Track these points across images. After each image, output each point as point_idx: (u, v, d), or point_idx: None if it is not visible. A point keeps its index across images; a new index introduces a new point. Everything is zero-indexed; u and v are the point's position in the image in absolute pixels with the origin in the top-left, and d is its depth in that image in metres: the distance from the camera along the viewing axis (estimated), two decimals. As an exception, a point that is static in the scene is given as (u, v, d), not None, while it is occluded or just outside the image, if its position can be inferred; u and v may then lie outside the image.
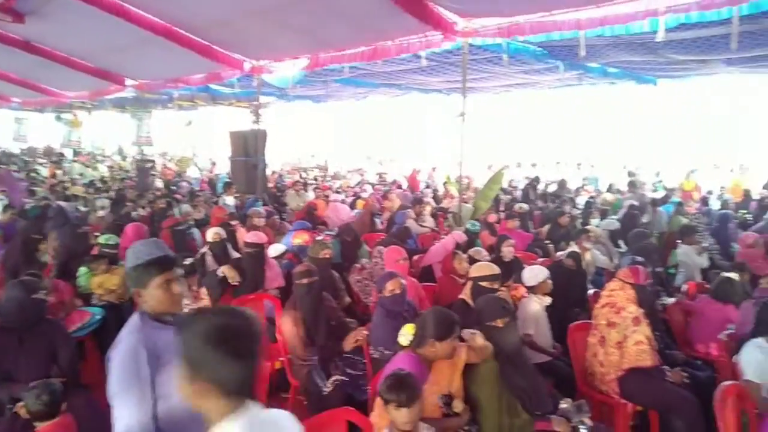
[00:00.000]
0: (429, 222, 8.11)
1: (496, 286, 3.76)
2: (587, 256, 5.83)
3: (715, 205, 10.53)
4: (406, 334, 2.88)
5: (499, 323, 2.89)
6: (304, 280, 3.62)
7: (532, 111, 20.09)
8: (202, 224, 7.16)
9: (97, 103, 15.92)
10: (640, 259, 4.36)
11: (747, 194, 11.38)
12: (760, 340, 3.01)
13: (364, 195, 10.53)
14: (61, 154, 19.75)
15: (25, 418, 2.70)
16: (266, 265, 4.57)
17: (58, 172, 15.11)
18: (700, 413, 3.03)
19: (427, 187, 13.20)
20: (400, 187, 13.47)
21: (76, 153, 19.81)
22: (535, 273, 4.24)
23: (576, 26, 6.61)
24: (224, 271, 4.37)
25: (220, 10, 7.52)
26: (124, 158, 20.55)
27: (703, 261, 6.11)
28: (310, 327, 3.55)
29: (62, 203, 8.10)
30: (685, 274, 5.92)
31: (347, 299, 4.72)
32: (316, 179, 15.42)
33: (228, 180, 10.93)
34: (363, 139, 22.86)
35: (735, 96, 17.01)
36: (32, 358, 3.09)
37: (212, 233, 5.29)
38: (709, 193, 12.31)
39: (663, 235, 7.87)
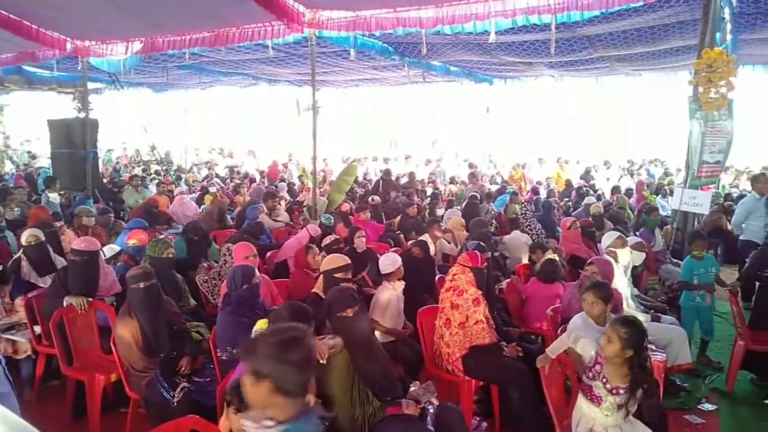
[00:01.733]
0: (283, 216, 7.95)
1: (348, 276, 3.77)
2: (437, 244, 6.14)
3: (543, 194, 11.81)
4: (260, 330, 2.77)
5: (350, 312, 2.90)
6: (141, 284, 3.28)
7: (383, 107, 20.85)
8: (18, 225, 6.20)
9: None
10: (480, 244, 4.69)
11: (569, 184, 13.00)
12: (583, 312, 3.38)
13: (213, 189, 9.98)
14: None
15: None
16: (100, 272, 4.06)
17: None
18: (533, 383, 3.35)
19: (282, 180, 12.95)
20: (253, 180, 13.05)
21: None
22: (390, 261, 4.35)
23: (418, 24, 6.94)
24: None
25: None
26: None
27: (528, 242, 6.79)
28: (148, 335, 3.24)
29: None
30: (514, 258, 6.56)
31: (192, 302, 4.42)
32: (158, 173, 14.29)
33: (50, 175, 9.63)
34: (215, 130, 21.80)
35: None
36: None
37: (27, 235, 4.58)
38: (539, 183, 13.80)
39: (500, 221, 8.63)
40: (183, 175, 13.79)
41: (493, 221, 8.53)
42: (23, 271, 4.45)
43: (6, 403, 2.01)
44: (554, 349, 3.02)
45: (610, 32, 7.66)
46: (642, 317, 3.85)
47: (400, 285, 4.26)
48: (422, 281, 4.92)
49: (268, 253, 5.87)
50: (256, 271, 3.59)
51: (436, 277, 5.14)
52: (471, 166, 15.81)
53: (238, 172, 14.34)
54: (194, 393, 3.10)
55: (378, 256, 5.01)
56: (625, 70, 11.07)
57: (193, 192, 11.02)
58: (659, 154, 17.26)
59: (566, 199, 11.50)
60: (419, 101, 19.84)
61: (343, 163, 17.15)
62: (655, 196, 11.22)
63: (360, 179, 13.07)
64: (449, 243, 6.45)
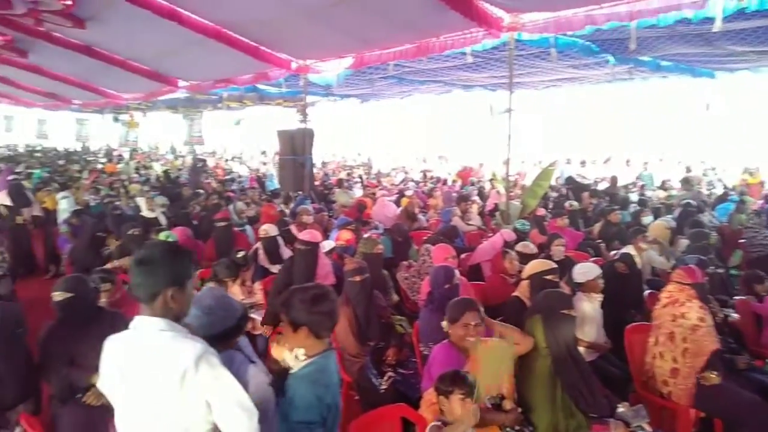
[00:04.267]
0: (475, 220, 8.04)
1: (557, 279, 3.69)
2: (643, 256, 5.64)
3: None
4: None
5: (573, 313, 2.87)
6: (357, 278, 3.65)
7: (580, 106, 19.62)
8: (254, 221, 7.34)
9: (151, 104, 16.53)
10: (702, 258, 4.19)
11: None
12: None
13: (408, 193, 10.51)
14: (120, 154, 20.69)
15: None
16: (318, 262, 4.63)
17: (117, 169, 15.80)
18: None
19: (472, 184, 13.07)
20: (445, 184, 13.40)
21: (132, 152, 20.65)
22: (585, 270, 4.13)
23: (627, 17, 6.42)
24: None
25: (267, 11, 7.67)
26: (176, 157, 21.27)
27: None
28: (362, 324, 3.58)
29: (119, 203, 8.48)
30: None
31: (395, 297, 4.75)
32: (360, 177, 15.54)
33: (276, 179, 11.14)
34: (409, 137, 22.88)
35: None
36: (94, 347, 3.21)
37: (263, 230, 5.42)
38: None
39: (722, 234, 7.54)
40: (382, 179, 14.77)
41: (714, 233, 7.49)
42: (260, 259, 5.29)
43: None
44: None
45: None
46: None
47: (597, 297, 4.02)
48: (628, 296, 4.57)
49: (462, 256, 6.00)
50: (456, 272, 3.72)
51: (645, 293, 4.73)
52: (688, 169, 14.08)
53: (432, 176, 14.86)
54: (399, 383, 3.34)
55: (576, 263, 4.78)
56: None
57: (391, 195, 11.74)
58: None
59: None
60: (620, 99, 18.25)
61: (534, 166, 16.66)
62: None
63: (553, 183, 12.56)
64: (660, 256, 5.86)
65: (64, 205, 8.47)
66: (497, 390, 2.77)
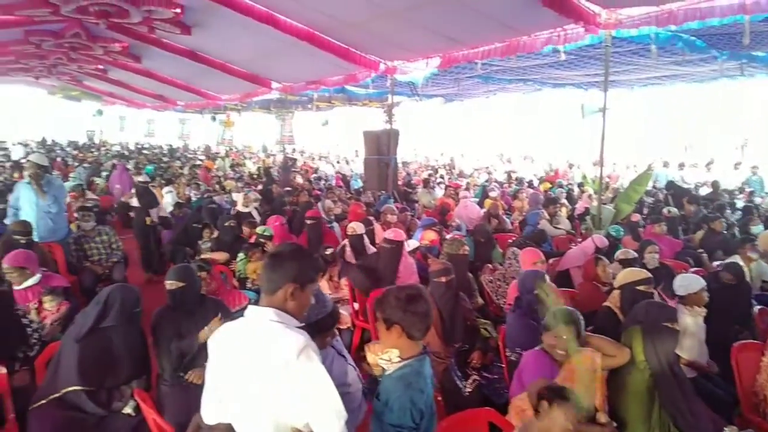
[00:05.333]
0: (564, 224, 7.77)
1: (651, 290, 3.51)
2: (752, 268, 5.21)
3: None
4: None
5: (676, 326, 2.73)
6: (443, 279, 3.66)
7: (678, 105, 18.35)
8: (340, 219, 7.56)
9: (246, 104, 17.45)
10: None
11: None
12: None
13: (493, 194, 10.35)
14: (217, 152, 22.05)
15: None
16: (402, 261, 4.70)
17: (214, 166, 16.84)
18: None
19: (560, 186, 12.63)
20: (531, 186, 13.06)
21: (228, 151, 21.91)
22: (688, 281, 3.88)
23: (740, 10, 5.94)
24: None
25: (358, 14, 7.85)
26: (268, 156, 22.29)
27: None
28: (447, 325, 3.60)
29: (217, 197, 9.04)
30: None
31: (480, 300, 4.71)
32: (442, 177, 15.49)
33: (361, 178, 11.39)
34: (494, 136, 22.51)
35: None
36: (198, 330, 3.46)
37: (351, 228, 5.58)
38: None
39: None
40: (465, 180, 14.64)
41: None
42: (346, 255, 5.44)
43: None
44: None
45: None
46: None
47: (701, 311, 3.76)
48: (734, 311, 4.23)
49: (550, 261, 5.84)
50: (547, 277, 3.63)
51: (754, 308, 4.37)
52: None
53: (516, 178, 14.53)
54: (484, 387, 3.32)
55: (675, 273, 4.51)
56: None
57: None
58: None
59: None
60: (723, 98, 16.85)
61: (627, 169, 15.80)
62: None
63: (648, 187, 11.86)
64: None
65: (168, 199, 9.17)
66: (589, 400, 2.69)
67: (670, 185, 12.00)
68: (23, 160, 13.42)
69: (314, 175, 15.82)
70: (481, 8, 7.06)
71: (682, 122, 19.43)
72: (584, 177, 12.15)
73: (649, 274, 3.59)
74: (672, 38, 7.71)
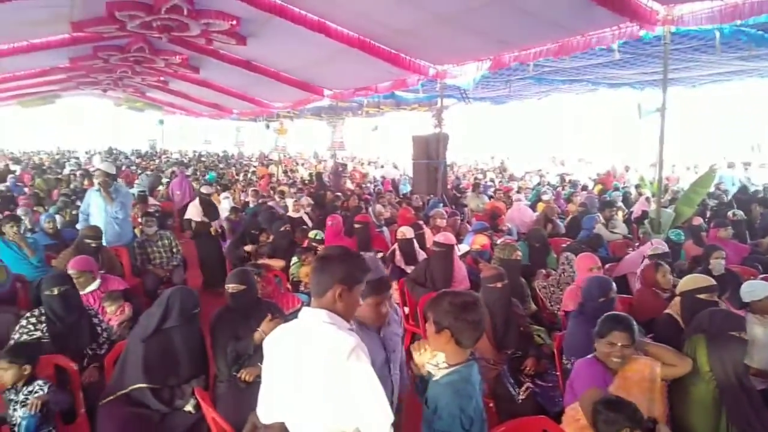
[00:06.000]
0: (621, 228, 7.52)
1: (714, 298, 3.35)
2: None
3: None
4: None
5: (744, 335, 2.61)
6: (497, 284, 3.63)
7: (742, 103, 17.38)
8: (389, 223, 7.60)
9: (298, 112, 17.87)
10: None
11: None
12: None
13: (546, 197, 10.14)
14: (270, 159, 22.66)
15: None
16: (454, 265, 4.68)
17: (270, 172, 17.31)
18: None
19: (616, 189, 12.20)
20: (585, 189, 12.71)
21: (280, 157, 22.46)
22: (754, 288, 3.69)
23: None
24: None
25: (408, 20, 7.90)
26: (319, 162, 22.68)
27: None
28: (499, 332, 3.56)
29: (271, 203, 9.27)
30: None
31: (533, 306, 4.63)
32: (492, 181, 15.29)
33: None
34: (545, 138, 22.06)
35: None
36: (254, 331, 3.56)
37: (401, 232, 5.60)
38: None
39: None
40: (516, 183, 14.40)
41: None
42: (396, 260, 5.47)
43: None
44: None
45: None
46: None
47: (771, 321, 3.55)
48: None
49: (606, 266, 5.66)
50: (613, 285, 3.51)
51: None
52: None
53: (570, 181, 14.16)
54: (538, 395, 3.26)
55: (742, 279, 4.28)
56: None
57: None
58: None
59: None
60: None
61: (688, 170, 15.12)
62: None
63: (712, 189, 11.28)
64: None
65: (225, 205, 9.48)
66: (647, 413, 2.60)
67: (744, 189, 11.35)
68: (92, 169, 14.25)
69: (364, 180, 15.96)
70: (533, 10, 6.97)
71: (748, 120, 18.38)
72: (642, 179, 11.72)
73: (713, 282, 3.42)
74: (736, 33, 7.34)
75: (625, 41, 7.34)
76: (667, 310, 3.58)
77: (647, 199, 9.30)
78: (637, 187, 12.60)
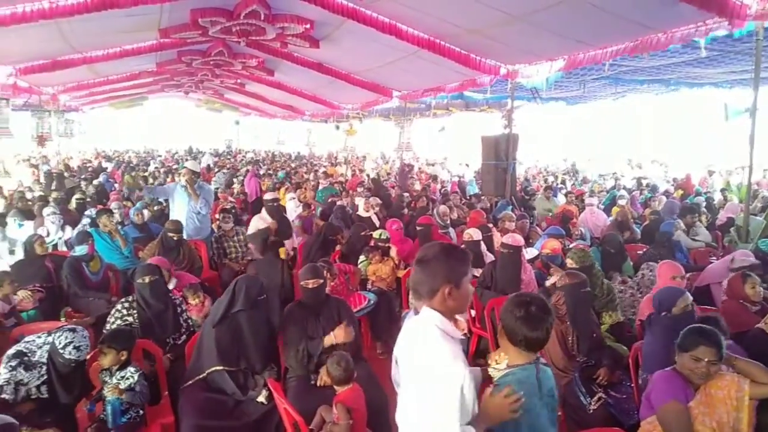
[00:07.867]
0: (703, 235, 7.10)
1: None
2: None
3: None
4: None
5: None
6: (581, 290, 3.54)
7: None
8: (456, 224, 7.56)
9: (367, 113, 18.13)
10: None
11: None
12: None
13: (621, 201, 9.73)
14: (338, 159, 23.16)
15: (327, 384, 3.23)
16: (522, 268, 4.61)
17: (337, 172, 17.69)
18: None
19: (699, 194, 11.51)
20: (666, 194, 12.07)
21: (347, 157, 22.87)
22: None
23: None
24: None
25: (479, 20, 7.81)
26: (386, 162, 22.89)
27: None
28: (572, 339, 3.47)
29: (342, 202, 9.45)
30: None
31: (620, 316, 4.44)
32: (564, 183, 14.83)
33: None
34: (621, 140, 21.15)
35: None
36: (323, 327, 3.67)
37: (468, 234, 5.57)
38: None
39: None
40: (588, 185, 13.91)
41: None
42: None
43: None
44: None
45: None
46: None
47: None
48: None
49: (687, 275, 5.36)
50: (689, 296, 3.34)
51: None
52: None
53: (648, 184, 13.49)
54: (611, 406, 3.15)
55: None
56: None
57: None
58: None
59: None
60: None
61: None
62: None
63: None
64: None
65: (291, 206, 9.70)
66: (731, 428, 2.46)
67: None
68: (175, 167, 15.10)
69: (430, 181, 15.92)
70: (610, 7, 6.70)
71: None
72: (727, 184, 11.00)
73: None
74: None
75: (713, 37, 6.91)
76: (759, 325, 3.36)
77: (734, 205, 8.72)
78: (723, 191, 11.84)
